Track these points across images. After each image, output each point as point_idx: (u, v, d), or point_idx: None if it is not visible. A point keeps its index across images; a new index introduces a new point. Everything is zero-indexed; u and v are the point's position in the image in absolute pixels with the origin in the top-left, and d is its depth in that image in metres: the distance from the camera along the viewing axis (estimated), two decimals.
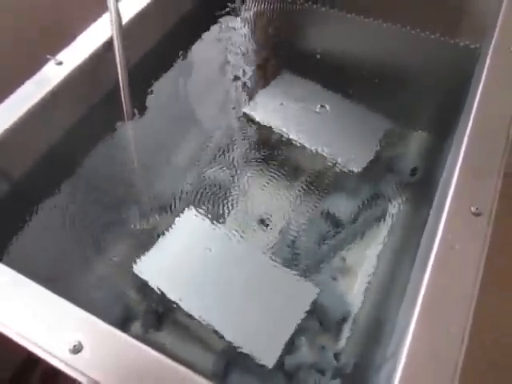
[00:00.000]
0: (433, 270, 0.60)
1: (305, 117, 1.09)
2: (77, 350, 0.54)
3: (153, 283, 0.83)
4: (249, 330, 0.79)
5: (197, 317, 0.80)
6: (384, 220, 0.99)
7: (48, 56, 0.87)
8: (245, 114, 1.10)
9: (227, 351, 0.79)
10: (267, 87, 1.15)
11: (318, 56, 1.19)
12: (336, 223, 0.97)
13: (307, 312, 0.82)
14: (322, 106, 1.12)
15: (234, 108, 1.15)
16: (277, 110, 1.10)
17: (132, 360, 0.54)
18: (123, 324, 0.84)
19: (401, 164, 1.09)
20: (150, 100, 1.05)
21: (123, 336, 0.56)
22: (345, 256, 0.93)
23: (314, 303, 0.83)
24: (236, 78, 1.21)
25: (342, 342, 0.84)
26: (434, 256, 0.61)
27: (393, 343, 0.62)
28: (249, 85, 1.20)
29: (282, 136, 1.06)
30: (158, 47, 1.07)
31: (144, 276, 0.84)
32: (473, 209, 0.65)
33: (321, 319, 0.85)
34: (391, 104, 1.11)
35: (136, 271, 0.84)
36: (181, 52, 1.14)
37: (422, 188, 1.00)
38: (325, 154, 1.03)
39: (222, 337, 0.78)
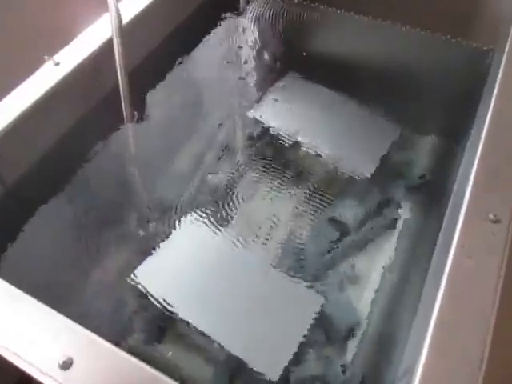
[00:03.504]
0: (448, 281, 0.56)
1: (311, 120, 1.08)
2: (66, 365, 0.51)
3: (152, 293, 0.81)
4: (252, 341, 0.78)
5: (198, 328, 0.78)
6: (393, 227, 0.96)
7: (45, 57, 0.86)
8: (249, 116, 1.08)
9: (230, 364, 0.77)
10: (273, 89, 1.14)
11: (326, 58, 1.18)
12: (343, 230, 0.94)
13: (313, 323, 0.80)
14: (329, 108, 1.11)
15: (238, 111, 1.14)
16: (282, 112, 1.08)
17: (125, 376, 0.51)
18: (121, 335, 0.80)
19: (411, 169, 1.06)
20: (151, 102, 1.03)
21: (116, 350, 0.53)
22: (352, 264, 0.91)
23: (320, 313, 0.81)
24: (240, 80, 1.19)
25: (349, 355, 0.81)
26: (450, 266, 0.57)
27: (406, 359, 0.59)
28: (254, 87, 1.18)
29: (287, 139, 1.04)
30: (160, 48, 1.06)
31: (143, 285, 0.82)
32: (491, 216, 0.62)
33: (327, 330, 0.82)
34: (401, 107, 1.09)
35: (134, 279, 0.82)
36: (183, 53, 1.13)
37: (434, 194, 0.98)
38: (332, 159, 1.01)
39: (224, 349, 0.76)
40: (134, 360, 0.52)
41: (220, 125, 1.10)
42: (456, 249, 0.59)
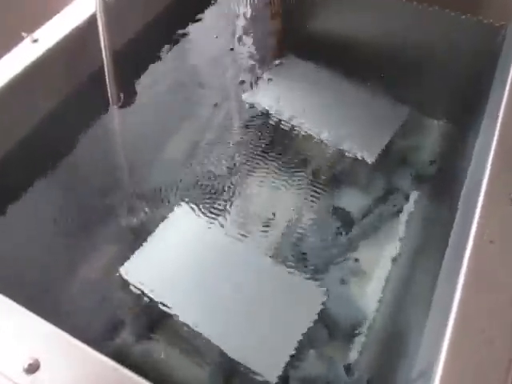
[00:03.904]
0: (469, 271, 0.50)
1: (312, 103, 1.03)
2: (32, 369, 0.45)
3: (141, 287, 0.77)
4: (249, 339, 0.74)
5: (191, 325, 0.74)
6: (400, 216, 0.93)
7: (23, 33, 0.81)
8: (244, 99, 1.04)
9: (224, 364, 0.73)
10: (270, 71, 1.09)
11: (327, 36, 1.14)
12: (347, 220, 0.91)
13: (314, 320, 0.76)
14: (330, 90, 1.06)
15: (233, 93, 1.09)
16: (280, 96, 1.03)
17: (100, 381, 0.44)
18: (107, 335, 0.77)
19: (418, 156, 1.02)
20: (139, 84, 0.99)
21: (90, 351, 0.47)
22: (357, 257, 0.88)
23: (323, 309, 0.77)
24: (235, 62, 1.15)
25: (354, 355, 0.78)
26: (470, 254, 0.52)
27: (421, 360, 0.54)
28: (250, 69, 1.13)
29: (286, 125, 1.00)
30: (151, 26, 1.01)
31: (131, 279, 0.78)
32: None
33: (330, 327, 0.79)
34: (407, 89, 1.05)
35: (122, 274, 0.78)
36: (176, 33, 1.08)
37: (442, 181, 0.95)
38: (334, 144, 0.96)
39: (218, 348, 0.72)
40: (110, 363, 0.47)
41: (214, 108, 1.06)
42: (476, 234, 0.54)
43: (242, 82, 1.10)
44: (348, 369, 0.76)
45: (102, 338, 0.75)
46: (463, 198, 0.68)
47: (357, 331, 0.80)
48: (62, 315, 0.69)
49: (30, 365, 0.46)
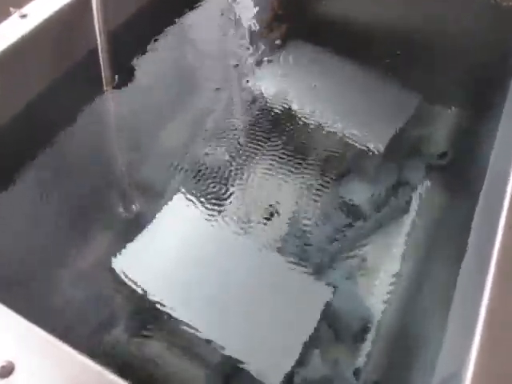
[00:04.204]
0: (499, 267, 0.45)
1: (318, 90, 1.02)
2: (5, 372, 0.42)
3: (134, 283, 0.75)
4: (250, 340, 0.73)
5: (188, 324, 0.72)
6: (410, 210, 0.90)
7: (11, 8, 0.79)
8: (248, 85, 1.03)
9: (224, 366, 0.72)
10: (275, 56, 1.08)
11: (334, 21, 1.12)
12: (354, 213, 0.89)
13: (320, 319, 0.74)
14: (337, 77, 1.05)
15: (234, 78, 1.07)
16: (285, 82, 1.03)
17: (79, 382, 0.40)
18: (99, 331, 0.75)
19: (430, 145, 1.00)
20: (136, 65, 0.97)
21: (69, 350, 0.44)
22: (364, 252, 0.85)
23: (328, 308, 0.75)
24: (239, 45, 1.13)
25: (362, 357, 0.75)
26: (499, 249, 0.47)
27: (444, 364, 0.50)
28: (253, 53, 1.11)
29: (291, 112, 0.99)
30: (149, 6, 0.98)
31: (124, 273, 0.76)
32: None
33: (336, 327, 0.77)
34: (419, 75, 1.02)
35: (115, 267, 0.77)
36: (176, 12, 1.06)
37: (456, 172, 0.93)
38: (341, 132, 0.95)
39: (218, 349, 0.71)
40: (93, 364, 0.44)
41: (214, 93, 1.04)
42: (506, 226, 0.48)
43: (244, 65, 1.08)
44: (357, 373, 0.73)
45: (89, 336, 0.73)
46: (486, 188, 0.65)
47: (365, 332, 0.77)
48: (43, 311, 0.67)
49: (2, 367, 0.42)
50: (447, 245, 0.78)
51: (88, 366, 0.43)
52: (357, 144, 0.94)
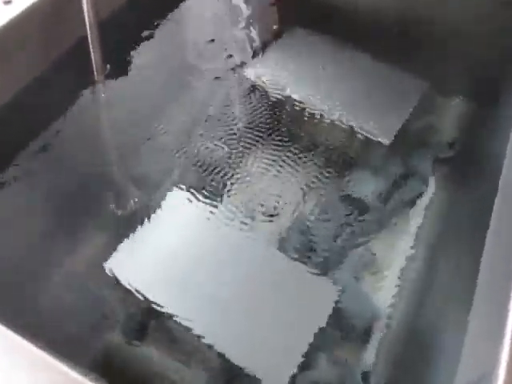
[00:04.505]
0: None
1: (321, 79, 1.01)
2: None
3: (129, 285, 0.74)
4: (251, 342, 0.72)
5: (187, 326, 0.71)
6: (418, 204, 0.89)
7: None
8: (246, 75, 1.01)
9: (225, 370, 0.71)
10: (276, 44, 1.06)
11: (336, 7, 1.09)
12: (360, 208, 0.88)
13: (326, 319, 0.73)
14: (340, 65, 1.03)
15: (234, 68, 1.04)
16: (287, 71, 1.01)
17: None
18: (92, 336, 0.73)
19: (438, 136, 0.98)
20: (129, 54, 0.95)
21: (41, 354, 0.42)
22: (372, 249, 0.84)
23: (334, 307, 0.74)
24: (237, 33, 1.11)
25: (371, 358, 0.73)
26: None
27: (467, 368, 0.49)
28: (253, 41, 1.09)
29: (293, 102, 0.97)
30: None
31: (118, 274, 0.75)
32: None
33: (342, 328, 0.76)
34: (426, 63, 1.00)
35: (108, 268, 0.75)
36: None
37: (466, 165, 0.91)
38: (346, 123, 0.94)
39: (218, 352, 0.69)
40: (67, 369, 0.42)
41: (213, 84, 1.02)
42: None
43: (244, 55, 1.07)
44: (366, 377, 0.72)
45: (83, 338, 0.72)
46: (504, 179, 0.64)
47: (372, 330, 0.76)
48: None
49: None
50: (461, 239, 0.77)
51: (68, 374, 0.41)
52: (363, 135, 0.93)
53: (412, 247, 0.83)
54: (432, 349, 0.65)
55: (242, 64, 1.04)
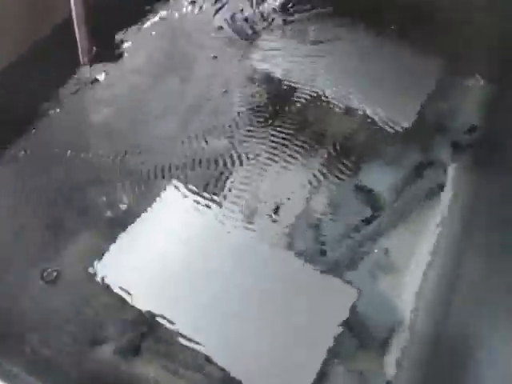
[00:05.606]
0: None
1: (330, 63, 0.98)
2: None
3: (120, 289, 0.70)
4: (257, 356, 0.66)
5: (186, 338, 0.67)
6: (438, 196, 0.86)
7: None
8: (248, 61, 0.99)
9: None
10: (280, 26, 1.05)
11: None
12: (374, 203, 0.85)
13: (341, 326, 0.67)
14: (351, 47, 0.99)
15: (235, 54, 1.00)
16: (291, 55, 0.99)
17: None
18: (81, 349, 0.69)
19: (457, 121, 0.93)
20: (119, 37, 0.91)
21: None
22: (387, 247, 0.80)
23: (351, 313, 0.69)
24: (238, 16, 1.06)
25: (392, 367, 0.69)
26: None
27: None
28: (255, 23, 1.05)
29: (298, 89, 0.96)
30: None
31: (107, 278, 0.71)
32: None
33: (360, 334, 0.71)
34: (444, 43, 0.97)
35: (95, 271, 0.72)
36: None
37: (489, 151, 0.86)
38: (357, 110, 0.92)
39: (219, 367, 0.65)
40: None
41: (211, 72, 0.98)
42: None
43: (246, 41, 1.03)
44: None
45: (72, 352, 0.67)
46: None
47: (392, 337, 0.71)
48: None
49: None
50: (486, 234, 0.72)
51: None
52: (376, 122, 0.89)
53: (433, 245, 0.80)
54: (460, 355, 0.60)
55: (244, 51, 1.00)
